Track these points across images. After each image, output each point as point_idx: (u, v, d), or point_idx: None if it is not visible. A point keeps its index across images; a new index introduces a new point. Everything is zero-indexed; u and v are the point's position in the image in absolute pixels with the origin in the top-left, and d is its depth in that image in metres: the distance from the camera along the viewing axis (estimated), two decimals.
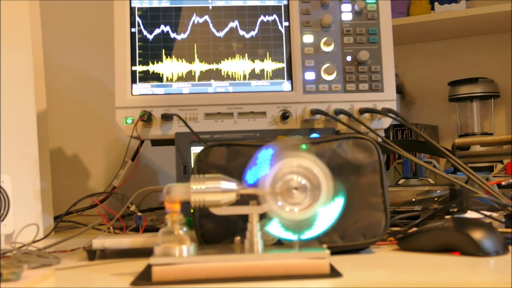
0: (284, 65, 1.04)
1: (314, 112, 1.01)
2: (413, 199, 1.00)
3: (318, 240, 0.68)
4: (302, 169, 0.61)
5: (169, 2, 1.04)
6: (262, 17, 1.05)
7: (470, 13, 1.93)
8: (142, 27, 1.03)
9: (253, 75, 1.04)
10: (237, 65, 1.04)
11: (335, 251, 0.68)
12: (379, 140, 0.92)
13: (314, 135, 1.00)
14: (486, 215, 0.86)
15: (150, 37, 1.03)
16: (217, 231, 0.71)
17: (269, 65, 1.04)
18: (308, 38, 1.04)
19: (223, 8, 1.05)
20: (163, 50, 1.03)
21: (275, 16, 1.05)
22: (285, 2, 1.05)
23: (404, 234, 0.74)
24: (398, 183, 1.13)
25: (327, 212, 0.62)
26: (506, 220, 0.83)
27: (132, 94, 1.02)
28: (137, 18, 1.03)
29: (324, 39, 1.03)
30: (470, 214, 0.92)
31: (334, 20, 1.04)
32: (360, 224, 0.72)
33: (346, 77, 1.03)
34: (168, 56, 1.03)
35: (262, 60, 1.04)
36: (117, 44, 1.02)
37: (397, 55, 1.43)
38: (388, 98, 1.04)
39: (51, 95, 1.22)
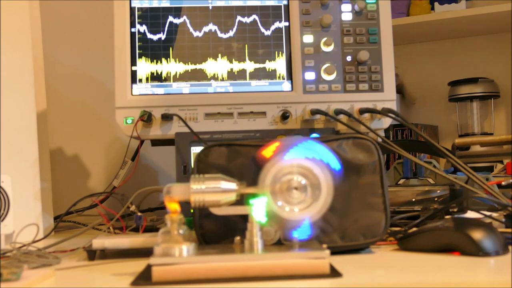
0: (284, 65, 1.04)
1: (314, 112, 1.01)
2: (413, 199, 1.00)
3: (318, 240, 0.68)
4: (302, 169, 0.61)
5: (169, 2, 1.04)
6: (262, 17, 1.05)
7: (470, 13, 1.93)
8: (142, 27, 1.03)
9: (253, 75, 1.04)
10: (237, 65, 1.04)
11: (335, 251, 0.68)
12: (379, 140, 0.92)
13: (314, 135, 1.00)
14: (486, 215, 0.86)
15: (150, 37, 1.03)
16: (217, 231, 0.71)
17: (269, 65, 1.04)
18: (308, 38, 1.04)
19: (223, 8, 1.05)
20: (163, 50, 1.03)
21: (275, 16, 1.05)
22: (285, 2, 1.05)
23: (404, 234, 0.74)
24: (398, 183, 1.13)
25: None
26: (506, 220, 0.83)
27: (132, 94, 1.02)
28: (137, 18, 1.03)
29: (324, 39, 1.03)
30: (470, 214, 0.92)
31: (334, 20, 1.04)
32: (360, 224, 0.72)
33: (346, 77, 1.03)
34: (168, 56, 1.03)
35: (262, 60, 1.04)
36: (117, 44, 1.02)
37: (397, 55, 1.43)
38: (388, 98, 1.04)
39: (51, 95, 1.22)
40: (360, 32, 1.04)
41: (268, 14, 1.05)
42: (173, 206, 0.60)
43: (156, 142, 1.10)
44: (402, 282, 0.55)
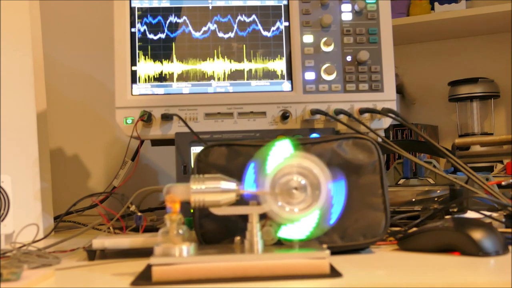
0: (284, 65, 1.04)
1: (314, 112, 1.01)
2: (413, 199, 1.00)
3: (318, 240, 0.68)
4: (302, 169, 0.61)
5: (169, 2, 1.04)
6: (262, 17, 1.05)
7: (470, 13, 1.93)
8: (142, 27, 1.03)
9: (253, 75, 1.04)
10: (237, 65, 1.04)
11: (335, 251, 0.68)
12: (379, 140, 0.92)
13: (314, 135, 1.00)
14: (486, 215, 0.86)
15: (150, 37, 1.03)
16: (217, 231, 0.71)
17: (269, 65, 1.04)
18: (308, 38, 1.04)
19: (223, 8, 1.05)
20: (163, 50, 1.03)
21: (275, 16, 1.05)
22: (285, 2, 1.05)
23: (404, 234, 0.74)
24: (398, 183, 1.13)
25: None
26: (506, 220, 0.83)
27: (132, 94, 1.02)
28: (137, 18, 1.03)
29: (324, 39, 1.03)
30: (470, 214, 0.92)
31: (334, 20, 1.04)
32: (360, 224, 0.72)
33: (346, 77, 1.03)
34: (168, 56, 1.03)
35: (262, 60, 1.04)
36: (117, 44, 1.02)
37: (397, 55, 1.43)
38: (388, 98, 1.04)
39: (51, 95, 1.22)
40: (360, 32, 1.04)
41: (268, 14, 1.05)
42: (175, 206, 0.60)
43: (156, 142, 1.10)
44: (402, 282, 0.55)
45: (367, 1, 1.05)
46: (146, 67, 1.03)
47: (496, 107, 2.14)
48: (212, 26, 1.04)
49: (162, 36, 1.03)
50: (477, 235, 0.65)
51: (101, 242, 0.72)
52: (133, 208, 0.89)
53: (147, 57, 1.03)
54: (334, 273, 0.58)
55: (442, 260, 0.64)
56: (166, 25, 1.04)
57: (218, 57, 1.04)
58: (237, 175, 0.64)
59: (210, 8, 1.05)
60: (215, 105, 1.02)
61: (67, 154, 1.32)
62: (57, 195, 1.13)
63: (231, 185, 0.61)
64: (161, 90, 1.03)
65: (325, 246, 0.60)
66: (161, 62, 1.03)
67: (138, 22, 1.03)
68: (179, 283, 0.56)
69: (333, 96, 1.03)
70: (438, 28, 2.09)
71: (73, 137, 1.33)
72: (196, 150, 0.98)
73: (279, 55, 1.04)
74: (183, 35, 1.04)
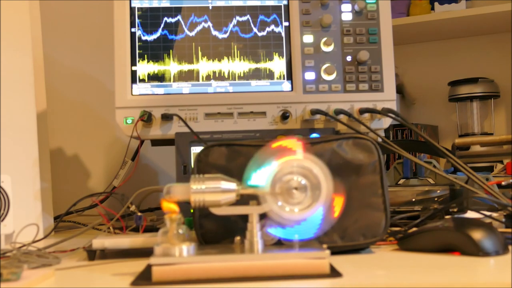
0: (284, 65, 1.04)
1: (314, 112, 1.01)
2: (413, 199, 1.00)
3: (318, 240, 0.68)
4: (302, 169, 0.61)
5: (169, 2, 1.04)
6: (262, 17, 1.05)
7: (470, 13, 1.93)
8: (142, 27, 1.03)
9: (253, 75, 1.04)
10: (237, 65, 1.04)
11: (335, 251, 0.68)
12: (379, 140, 0.92)
13: (314, 135, 1.00)
14: (486, 215, 0.86)
15: (150, 37, 1.03)
16: (217, 231, 0.71)
17: (269, 65, 1.04)
18: (308, 38, 1.04)
19: (223, 8, 1.05)
20: (163, 50, 1.03)
21: (275, 16, 1.05)
22: (285, 2, 1.05)
23: (404, 234, 0.74)
24: (398, 183, 1.13)
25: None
26: (506, 220, 0.83)
27: (132, 94, 1.02)
28: (137, 18, 1.03)
29: (324, 39, 1.03)
30: (470, 214, 0.92)
31: (334, 20, 1.04)
32: (360, 224, 0.72)
33: (346, 77, 1.03)
34: (168, 56, 1.03)
35: (262, 60, 1.04)
36: (117, 44, 1.02)
37: (397, 55, 1.43)
38: (388, 98, 1.04)
39: (51, 95, 1.22)
40: (360, 32, 1.04)
41: (268, 14, 1.05)
42: (170, 206, 0.60)
43: (156, 142, 1.10)
44: (402, 282, 0.55)
45: (367, 1, 1.05)
46: (146, 67, 1.03)
47: (496, 107, 2.14)
48: (212, 26, 1.04)
49: (162, 36, 1.03)
50: (477, 235, 0.65)
51: (101, 242, 0.72)
52: (133, 208, 0.89)
53: (147, 57, 1.03)
54: (334, 273, 0.58)
55: (442, 260, 0.64)
56: (166, 25, 1.04)
57: (218, 57, 1.04)
58: (237, 175, 0.64)
59: (210, 8, 1.05)
60: (215, 105, 1.02)
61: (67, 154, 1.32)
62: (57, 195, 1.13)
63: (231, 185, 0.61)
64: (161, 90, 1.03)
65: (325, 246, 0.60)
66: (161, 62, 1.03)
67: (138, 22, 1.03)
68: (179, 283, 0.56)
69: (333, 96, 1.03)
70: (438, 28, 2.09)
71: (73, 137, 1.33)
72: (196, 150, 0.98)
73: (279, 55, 1.04)
74: (183, 35, 1.04)
